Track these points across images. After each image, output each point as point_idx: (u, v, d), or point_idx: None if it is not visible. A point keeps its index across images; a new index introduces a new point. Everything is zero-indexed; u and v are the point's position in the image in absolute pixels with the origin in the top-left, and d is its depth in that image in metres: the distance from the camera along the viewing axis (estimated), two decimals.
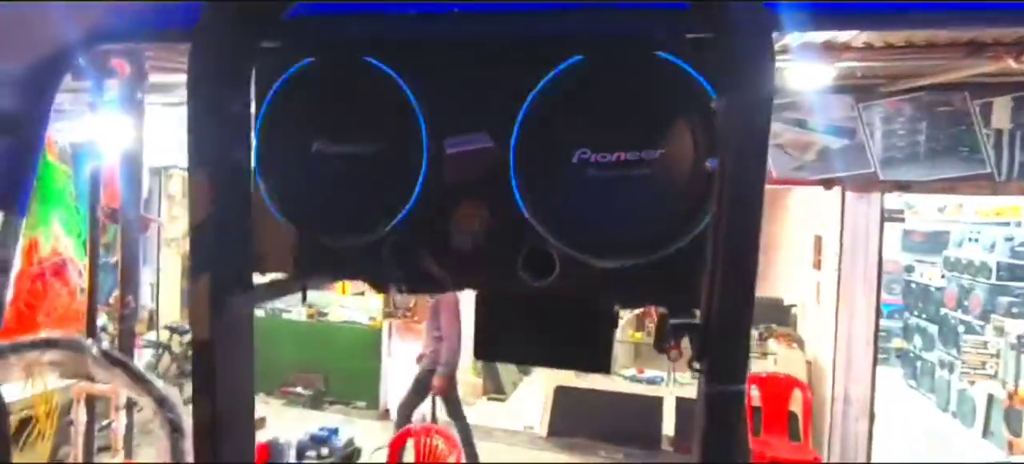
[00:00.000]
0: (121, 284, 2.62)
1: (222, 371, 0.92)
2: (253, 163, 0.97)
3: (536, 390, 6.14)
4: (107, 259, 3.60)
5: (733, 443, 0.78)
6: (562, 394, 5.37)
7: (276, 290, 1.04)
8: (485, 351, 1.03)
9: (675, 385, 5.24)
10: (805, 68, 3.27)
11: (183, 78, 0.85)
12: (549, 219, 0.89)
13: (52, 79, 1.04)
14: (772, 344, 5.26)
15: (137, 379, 1.16)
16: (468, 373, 6.71)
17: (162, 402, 1.14)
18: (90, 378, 1.16)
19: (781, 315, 5.98)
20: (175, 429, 1.12)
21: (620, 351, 5.47)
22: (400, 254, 0.96)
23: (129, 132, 2.84)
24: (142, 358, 5.47)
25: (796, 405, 4.67)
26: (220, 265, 0.92)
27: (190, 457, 1.10)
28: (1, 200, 1.11)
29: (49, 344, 1.12)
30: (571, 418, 5.32)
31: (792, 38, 2.86)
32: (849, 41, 2.75)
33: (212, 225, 0.92)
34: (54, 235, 2.84)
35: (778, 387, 4.69)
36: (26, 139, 1.08)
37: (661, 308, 0.93)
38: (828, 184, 4.43)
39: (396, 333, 6.82)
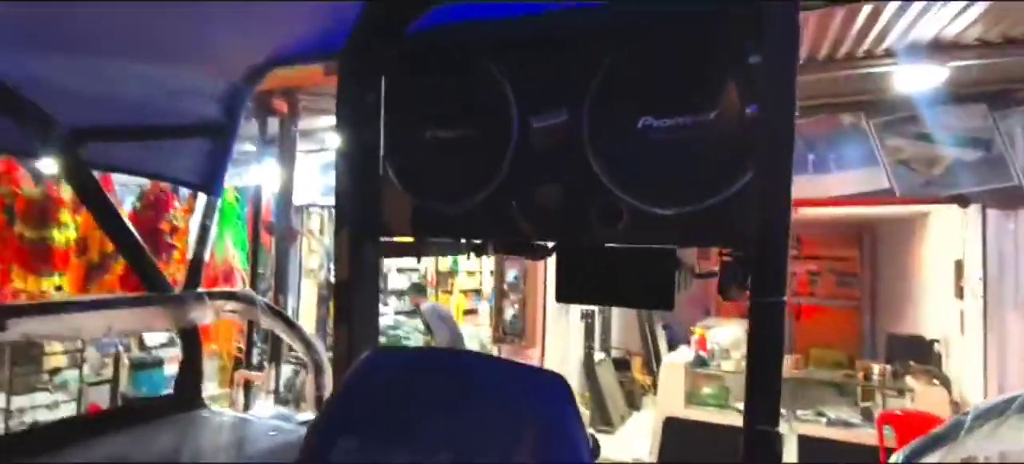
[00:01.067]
0: (275, 286, 3.13)
1: (357, 305, 1.18)
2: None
3: (645, 422, 6.03)
4: (263, 271, 4.26)
5: (777, 347, 0.89)
6: (671, 426, 5.25)
7: (397, 250, 1.29)
8: (565, 295, 1.20)
9: (796, 422, 4.91)
10: (914, 71, 3.11)
11: (323, 123, 1.14)
12: (617, 177, 1.06)
13: (244, 95, 1.40)
14: (909, 381, 4.78)
15: (291, 326, 1.47)
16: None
17: (309, 346, 1.43)
18: (258, 325, 1.50)
19: (922, 352, 5.40)
20: (318, 368, 1.40)
21: (733, 383, 5.26)
22: (494, 214, 1.17)
23: (282, 171, 3.43)
24: (282, 375, 6.15)
25: None
26: (356, 223, 1.20)
27: (329, 390, 1.36)
28: (204, 186, 1.49)
29: (231, 296, 1.46)
30: (681, 450, 5.17)
31: (896, 39, 2.78)
32: (957, 39, 2.62)
33: (349, 193, 1.20)
34: (226, 247, 3.50)
35: (915, 426, 4.24)
36: (223, 141, 1.46)
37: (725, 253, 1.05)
38: (963, 201, 4.06)
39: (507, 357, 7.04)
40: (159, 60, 1.21)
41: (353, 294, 1.16)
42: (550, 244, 1.23)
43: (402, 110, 1.24)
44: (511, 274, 5.85)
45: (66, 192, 4.14)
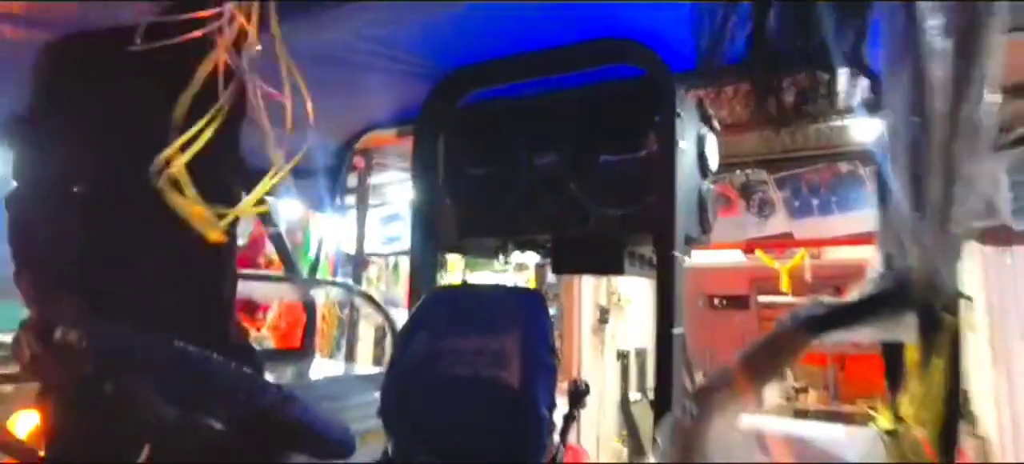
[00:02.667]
0: (350, 304, 3.86)
1: (424, 285, 1.84)
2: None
3: None
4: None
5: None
6: None
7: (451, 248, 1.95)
8: (557, 268, 1.83)
9: None
10: (864, 123, 3.63)
11: (385, 178, 1.84)
12: (587, 194, 1.70)
13: (351, 146, 2.14)
14: None
15: (378, 307, 2.14)
16: (612, 441, 7.08)
17: (387, 316, 2.09)
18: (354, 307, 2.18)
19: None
20: (394, 330, 2.05)
21: None
22: (512, 221, 1.82)
23: (358, 217, 4.23)
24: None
25: None
26: (424, 229, 1.88)
27: None
28: (320, 208, 2.22)
29: (336, 284, 2.15)
30: None
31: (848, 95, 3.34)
32: None
33: (420, 211, 1.88)
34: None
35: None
36: (335, 180, 2.19)
37: None
38: (984, 239, 4.41)
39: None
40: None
41: (421, 279, 1.84)
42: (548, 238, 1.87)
43: (454, 156, 1.92)
44: None
45: None
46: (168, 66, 1.07)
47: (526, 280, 7.88)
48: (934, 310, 0.78)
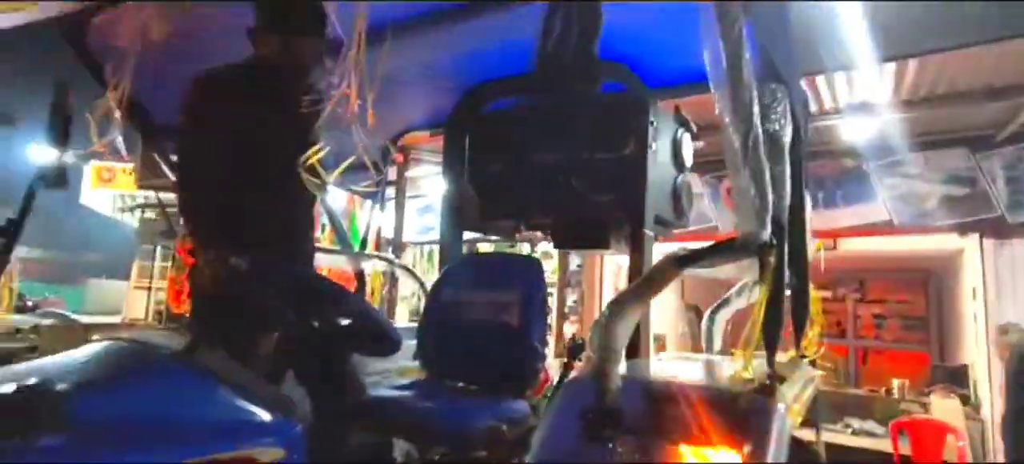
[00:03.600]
0: (389, 280, 4.38)
1: (452, 257, 2.31)
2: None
3: None
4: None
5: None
6: None
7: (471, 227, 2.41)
8: (558, 244, 2.27)
9: (824, 431, 5.46)
10: (861, 122, 3.94)
11: (420, 172, 2.29)
12: (579, 182, 2.12)
13: (393, 147, 2.62)
14: (932, 397, 5.24)
15: (413, 276, 2.62)
16: None
17: (423, 285, 2.56)
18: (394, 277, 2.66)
19: (959, 378, 5.76)
20: None
21: None
22: (522, 205, 2.26)
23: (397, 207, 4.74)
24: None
25: (950, 454, 4.64)
26: (452, 214, 2.34)
27: None
28: (371, 197, 2.71)
29: (379, 257, 2.64)
30: None
31: (843, 100, 3.65)
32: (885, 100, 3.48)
33: (449, 199, 2.34)
34: None
35: (927, 433, 4.73)
36: (382, 171, 2.67)
37: None
38: (962, 231, 4.66)
39: None
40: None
41: (449, 251, 2.31)
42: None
43: (476, 154, 2.37)
44: (570, 299, 6.85)
45: None
46: (274, 89, 1.59)
47: (552, 269, 8.34)
48: (763, 252, 1.19)
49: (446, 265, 2.25)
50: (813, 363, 2.15)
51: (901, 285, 9.24)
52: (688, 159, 2.20)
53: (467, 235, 2.53)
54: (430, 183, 6.01)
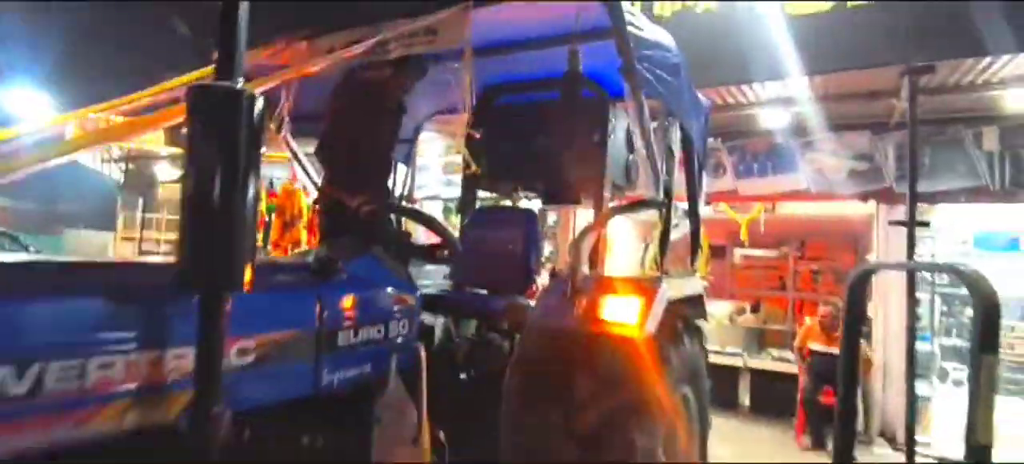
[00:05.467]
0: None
1: (468, 211, 3.30)
2: None
3: None
4: None
5: None
6: None
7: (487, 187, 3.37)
8: (547, 202, 3.26)
9: (750, 358, 6.71)
10: (773, 113, 5.01)
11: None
12: (565, 160, 3.10)
13: (422, 126, 3.54)
14: (835, 335, 6.48)
15: (435, 223, 3.60)
16: None
17: (449, 234, 3.54)
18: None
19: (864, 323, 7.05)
20: (454, 244, 3.50)
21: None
22: (525, 175, 3.23)
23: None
24: None
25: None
26: (470, 179, 3.31)
27: None
28: (371, 188, 3.64)
29: (405, 209, 3.62)
30: None
31: (763, 94, 4.69)
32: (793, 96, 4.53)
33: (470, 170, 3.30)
34: None
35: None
36: (412, 146, 3.61)
37: None
38: (864, 197, 5.80)
39: None
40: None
41: (466, 205, 3.28)
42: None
43: (491, 135, 3.30)
44: (547, 249, 7.88)
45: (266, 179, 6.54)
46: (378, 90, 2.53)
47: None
48: (659, 207, 2.20)
49: (466, 213, 3.23)
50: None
51: (835, 244, 10.52)
52: (636, 145, 3.19)
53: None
54: (426, 147, 6.92)
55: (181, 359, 1.18)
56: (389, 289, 1.86)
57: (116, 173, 19.30)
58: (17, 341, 1.00)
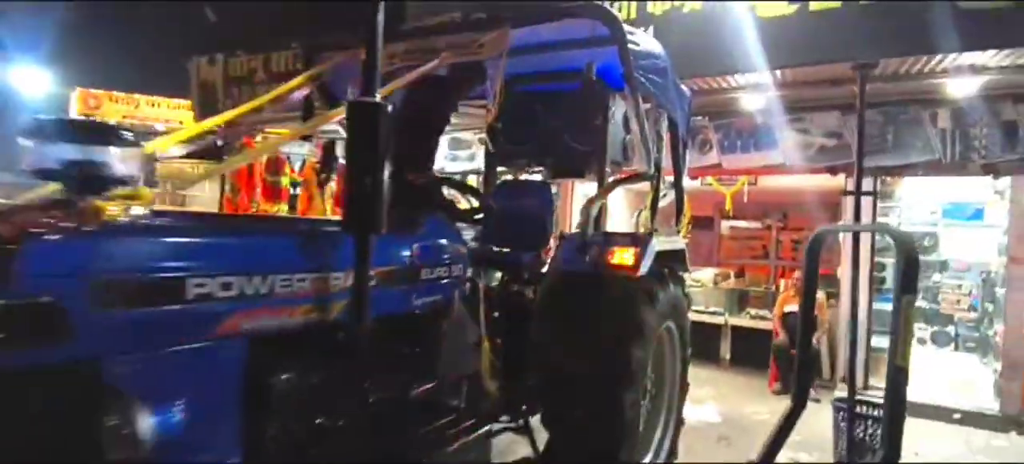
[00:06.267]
0: None
1: (489, 184, 3.95)
2: None
3: None
4: None
5: None
6: None
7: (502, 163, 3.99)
8: (553, 176, 3.89)
9: (731, 317, 7.45)
10: (753, 96, 5.64)
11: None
12: (570, 141, 3.72)
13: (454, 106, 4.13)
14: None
15: (465, 187, 4.22)
16: None
17: (478, 194, 4.17)
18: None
19: (830, 281, 7.76)
20: (488, 209, 4.12)
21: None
22: (530, 153, 3.84)
23: None
24: None
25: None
26: (489, 155, 3.94)
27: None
28: (423, 163, 4.24)
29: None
30: None
31: (744, 80, 5.31)
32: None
33: (489, 148, 3.94)
34: None
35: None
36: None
37: None
38: (833, 171, 6.46)
39: None
40: None
41: (489, 179, 3.90)
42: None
43: (509, 119, 3.90)
44: None
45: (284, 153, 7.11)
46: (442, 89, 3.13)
47: None
48: (650, 179, 2.85)
49: (489, 186, 3.85)
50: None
51: (816, 215, 11.23)
52: (632, 129, 3.81)
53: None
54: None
55: (344, 278, 1.81)
56: (451, 241, 2.49)
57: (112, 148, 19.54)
58: (259, 262, 1.62)
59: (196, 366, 1.44)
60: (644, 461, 3.03)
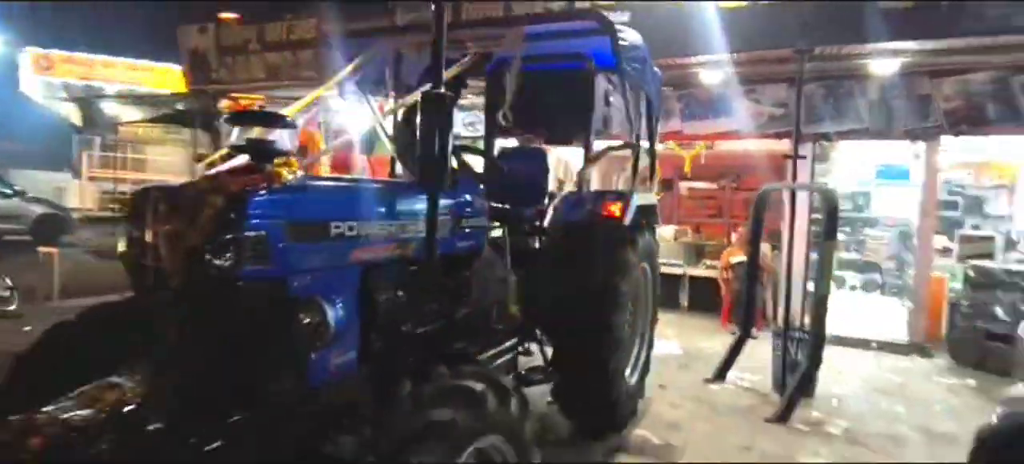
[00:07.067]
0: None
1: (491, 148, 4.58)
2: None
3: None
4: None
5: None
6: None
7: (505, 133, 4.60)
8: (550, 141, 4.53)
9: (689, 268, 8.36)
10: (711, 71, 6.39)
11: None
12: (568, 115, 4.36)
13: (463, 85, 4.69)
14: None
15: (473, 149, 4.82)
16: None
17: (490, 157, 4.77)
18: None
19: (776, 236, 8.75)
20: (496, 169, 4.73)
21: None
22: (531, 123, 4.47)
23: None
24: None
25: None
26: (491, 124, 4.57)
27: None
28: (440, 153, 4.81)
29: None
30: None
31: (705, 57, 6.04)
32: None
33: (489, 116, 4.56)
34: None
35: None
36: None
37: None
38: (780, 136, 7.32)
39: None
40: None
41: (489, 144, 4.51)
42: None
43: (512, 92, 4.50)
44: None
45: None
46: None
47: None
48: (631, 147, 3.54)
49: (490, 151, 4.46)
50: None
51: (765, 177, 12.26)
52: (614, 103, 4.47)
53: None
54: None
55: (419, 223, 2.44)
56: (478, 197, 3.12)
57: (67, 111, 18.95)
58: (369, 213, 2.23)
59: (337, 283, 2.05)
60: (625, 373, 3.81)
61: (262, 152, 1.96)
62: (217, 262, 1.73)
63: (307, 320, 1.90)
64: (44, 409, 1.63)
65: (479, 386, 1.83)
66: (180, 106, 14.60)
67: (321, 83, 3.68)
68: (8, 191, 12.35)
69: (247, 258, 1.76)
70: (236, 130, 2.00)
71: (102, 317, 2.28)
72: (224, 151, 1.97)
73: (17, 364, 2.11)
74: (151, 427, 1.65)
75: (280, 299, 1.87)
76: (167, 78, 13.82)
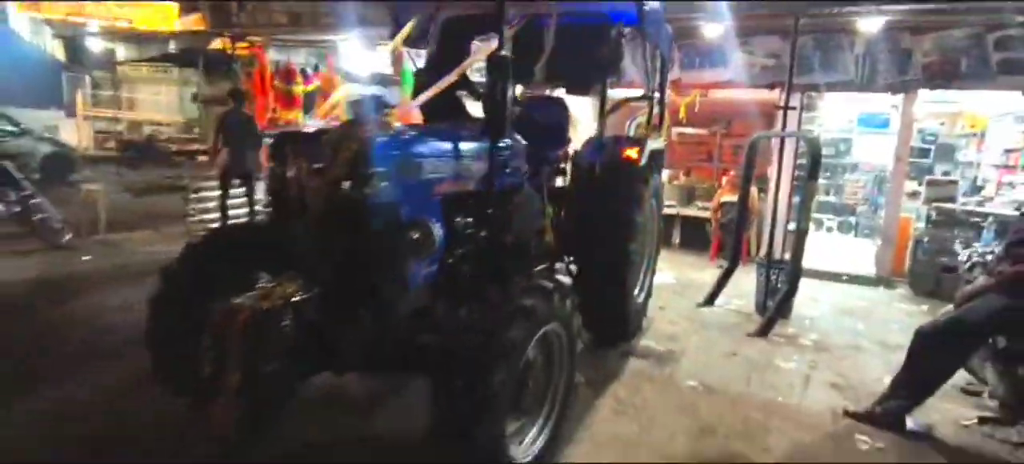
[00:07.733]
0: None
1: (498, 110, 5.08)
2: None
3: None
4: None
5: None
6: None
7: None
8: (569, 91, 5.03)
9: (682, 208, 9.01)
10: (710, 24, 6.85)
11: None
12: (581, 62, 4.84)
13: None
14: None
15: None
16: None
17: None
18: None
19: (763, 180, 9.40)
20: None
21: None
22: (540, 73, 4.94)
23: None
24: None
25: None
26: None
27: None
28: (504, 106, 5.25)
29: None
30: None
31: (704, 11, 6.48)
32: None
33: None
34: None
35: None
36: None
37: None
38: (771, 86, 7.85)
39: None
40: None
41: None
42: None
43: (532, 45, 4.93)
44: None
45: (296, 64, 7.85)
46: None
47: None
48: (648, 99, 4.08)
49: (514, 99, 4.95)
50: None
51: (755, 124, 12.80)
52: (623, 55, 4.94)
53: None
54: None
55: (480, 163, 2.98)
56: (516, 142, 3.67)
57: (51, 46, 18.66)
58: (449, 155, 2.78)
59: (429, 210, 2.62)
60: (634, 292, 4.48)
61: (378, 106, 2.49)
62: (353, 193, 2.28)
63: (416, 236, 2.48)
64: (235, 300, 2.21)
65: (549, 285, 2.44)
66: (174, 46, 14.55)
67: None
68: (16, 129, 12.48)
69: (375, 189, 2.32)
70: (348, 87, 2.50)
71: (224, 240, 2.85)
72: (340, 97, 2.49)
73: (165, 276, 2.69)
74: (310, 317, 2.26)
75: (396, 220, 2.45)
76: (156, 16, 13.77)
